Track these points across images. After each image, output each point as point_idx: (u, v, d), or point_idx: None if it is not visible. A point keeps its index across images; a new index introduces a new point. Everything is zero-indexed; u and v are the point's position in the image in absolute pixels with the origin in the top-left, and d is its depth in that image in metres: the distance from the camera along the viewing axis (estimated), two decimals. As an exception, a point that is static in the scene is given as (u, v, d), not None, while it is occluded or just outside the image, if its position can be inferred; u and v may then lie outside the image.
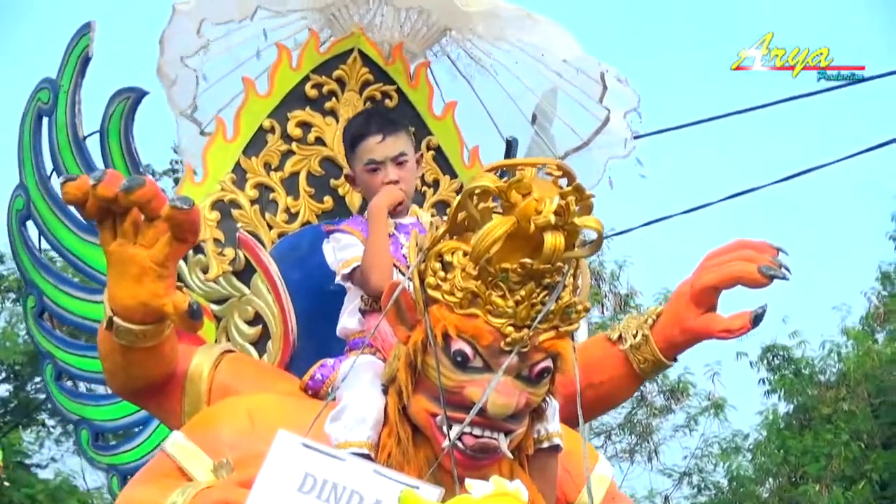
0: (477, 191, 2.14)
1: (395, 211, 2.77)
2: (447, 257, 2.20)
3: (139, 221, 2.25)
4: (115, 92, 3.13)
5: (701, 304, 2.73)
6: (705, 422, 13.06)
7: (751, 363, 12.74)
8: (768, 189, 6.20)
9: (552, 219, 2.06)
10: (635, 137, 3.44)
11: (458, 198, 2.16)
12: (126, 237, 2.25)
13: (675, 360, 2.86)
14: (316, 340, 2.85)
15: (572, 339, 2.28)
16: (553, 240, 2.07)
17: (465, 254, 2.18)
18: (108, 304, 2.33)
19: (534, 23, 3.04)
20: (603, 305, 12.30)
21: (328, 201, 3.11)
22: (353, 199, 3.13)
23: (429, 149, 3.21)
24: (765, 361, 12.76)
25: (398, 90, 3.22)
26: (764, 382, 12.75)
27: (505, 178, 2.17)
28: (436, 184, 3.23)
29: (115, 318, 2.31)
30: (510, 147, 3.45)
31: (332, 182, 3.13)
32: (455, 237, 2.22)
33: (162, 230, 2.23)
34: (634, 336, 2.80)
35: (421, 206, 3.08)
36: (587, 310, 2.26)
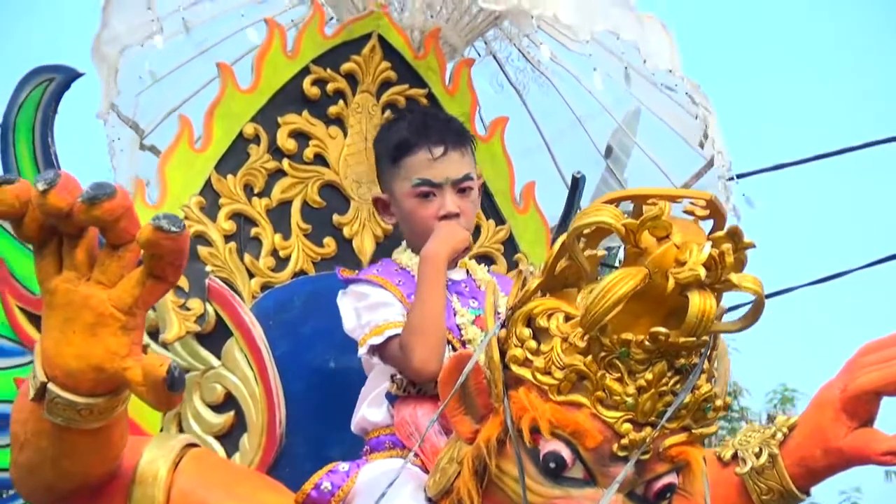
0: (588, 229, 2.11)
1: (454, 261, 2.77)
2: (541, 322, 2.17)
3: (95, 248, 2.18)
4: (31, 72, 3.05)
5: (856, 415, 2.70)
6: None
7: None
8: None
9: (702, 273, 2.02)
10: (739, 176, 3.45)
11: (561, 239, 2.14)
12: (77, 270, 2.17)
13: (808, 492, 2.83)
14: (311, 438, 2.87)
15: (702, 446, 2.25)
16: (701, 303, 2.04)
17: (567, 318, 2.16)
18: (40, 364, 2.23)
19: (637, 18, 3.04)
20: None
21: (329, 244, 3.12)
22: (364, 244, 3.15)
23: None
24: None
25: (430, 95, 3.26)
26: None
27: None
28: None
29: (52, 386, 2.22)
30: (576, 186, 3.46)
31: (336, 218, 3.14)
32: (551, 294, 2.20)
33: (130, 262, 2.16)
34: (757, 456, 2.77)
35: (451, 259, 3.08)
36: (727, 407, 2.24)
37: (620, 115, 3.55)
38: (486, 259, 3.18)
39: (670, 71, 3.16)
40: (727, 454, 2.80)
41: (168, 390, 2.12)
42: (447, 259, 2.71)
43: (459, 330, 2.68)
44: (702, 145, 3.30)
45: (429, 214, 2.79)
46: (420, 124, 2.86)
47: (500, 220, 3.29)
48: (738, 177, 3.46)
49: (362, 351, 2.67)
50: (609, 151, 3.54)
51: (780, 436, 2.76)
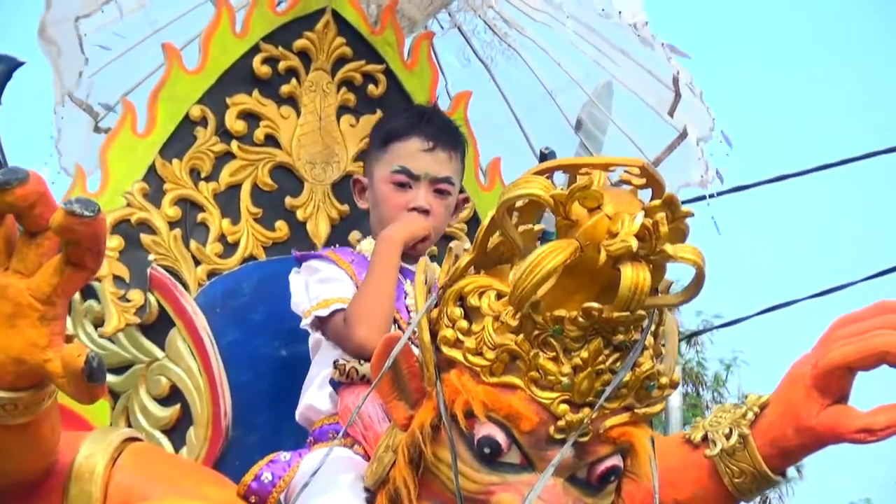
0: (519, 202, 2.09)
1: (413, 251, 2.79)
2: (472, 300, 2.14)
3: (13, 236, 2.17)
4: None
5: (828, 391, 2.65)
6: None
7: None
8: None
9: (633, 244, 1.99)
10: (742, 188, 3.47)
11: (491, 213, 2.11)
12: None
13: (783, 473, 2.78)
14: (261, 428, 2.86)
15: (649, 427, 2.23)
16: (634, 275, 2.00)
17: (499, 296, 2.13)
18: (-42, 359, 2.24)
19: None
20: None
21: (282, 228, 3.12)
22: (319, 227, 3.14)
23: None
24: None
25: (387, 71, 3.25)
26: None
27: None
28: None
29: (-30, 381, 2.22)
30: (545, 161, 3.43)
31: (289, 201, 3.14)
32: (484, 272, 2.18)
33: (49, 250, 2.15)
34: (727, 437, 2.73)
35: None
36: (675, 385, 2.21)
37: (591, 88, 3.53)
38: (448, 239, 3.12)
39: (646, 23, 3.15)
40: (697, 436, 2.75)
41: (88, 381, 2.11)
42: (403, 242, 2.74)
43: (408, 312, 2.69)
44: (671, 114, 3.29)
45: (399, 203, 2.83)
46: (419, 116, 2.91)
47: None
48: (741, 188, 3.46)
49: (305, 322, 2.69)
50: (580, 125, 3.52)
51: (750, 415, 2.72)
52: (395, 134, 2.87)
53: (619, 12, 3.03)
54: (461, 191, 2.98)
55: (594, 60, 3.43)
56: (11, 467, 2.39)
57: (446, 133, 2.90)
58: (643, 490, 2.26)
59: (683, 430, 2.88)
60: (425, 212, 2.82)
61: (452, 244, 2.24)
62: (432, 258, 2.90)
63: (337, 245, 2.91)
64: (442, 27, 3.53)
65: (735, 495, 2.74)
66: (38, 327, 2.16)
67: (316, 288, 2.72)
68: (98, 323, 2.90)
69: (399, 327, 2.64)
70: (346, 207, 3.15)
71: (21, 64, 3.05)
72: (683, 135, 3.31)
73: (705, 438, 2.75)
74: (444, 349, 2.16)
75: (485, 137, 3.40)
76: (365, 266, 2.75)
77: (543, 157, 3.43)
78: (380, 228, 2.82)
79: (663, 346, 2.22)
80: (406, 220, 2.80)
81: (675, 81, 3.28)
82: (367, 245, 2.86)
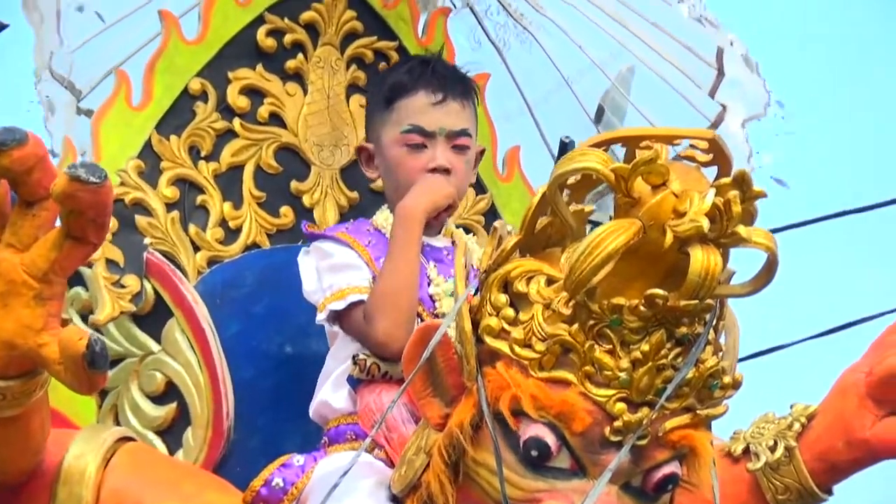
0: (572, 177, 2.00)
1: (436, 221, 2.68)
2: (519, 286, 2.06)
3: (6, 206, 2.07)
4: None
5: (884, 401, 2.60)
6: None
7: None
8: None
9: (705, 225, 1.90)
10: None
11: (541, 190, 2.03)
12: None
13: (830, 491, 2.72)
14: (266, 430, 2.83)
15: (709, 430, 2.15)
16: (704, 259, 1.92)
17: (549, 281, 2.05)
18: (-58, 342, 2.15)
19: None
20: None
21: (287, 214, 3.06)
22: (326, 215, 3.08)
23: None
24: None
25: (400, 49, 3.20)
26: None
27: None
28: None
29: (-45, 367, 2.16)
30: (564, 152, 3.35)
31: (295, 185, 3.08)
32: (531, 256, 2.10)
33: (46, 222, 2.08)
34: (772, 450, 2.68)
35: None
36: (738, 385, 2.12)
37: (614, 72, 3.45)
38: (467, 231, 3.08)
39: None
40: (738, 448, 2.70)
41: (89, 368, 2.02)
42: (425, 215, 2.62)
43: (433, 301, 2.59)
44: (712, 94, 3.22)
45: (416, 166, 2.69)
46: (421, 67, 2.79)
47: (480, 189, 3.24)
48: (799, 225, 3.38)
49: (321, 317, 2.60)
50: (600, 114, 3.46)
51: (797, 426, 2.67)
52: (399, 90, 2.75)
53: None
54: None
55: (620, 42, 3.34)
56: (-6, 465, 2.35)
57: (454, 81, 2.79)
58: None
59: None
60: (446, 171, 2.71)
61: (497, 223, 2.14)
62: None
63: (353, 221, 2.82)
64: (455, 6, 3.45)
65: (777, 513, 2.73)
66: (33, 307, 2.08)
67: (329, 276, 2.62)
68: (85, 313, 2.84)
69: (422, 321, 2.55)
70: (355, 195, 3.10)
71: (5, 26, 3.01)
72: (718, 122, 3.21)
73: (747, 451, 2.69)
74: (488, 340, 2.08)
75: (497, 126, 3.35)
76: (383, 248, 2.65)
77: (563, 146, 3.38)
78: (397, 197, 2.71)
79: (723, 342, 2.16)
80: (427, 186, 2.66)
81: (720, 56, 3.19)
82: (382, 219, 2.75)
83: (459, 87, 2.78)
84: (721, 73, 3.26)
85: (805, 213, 3.49)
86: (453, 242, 2.75)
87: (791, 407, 2.79)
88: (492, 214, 3.22)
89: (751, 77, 3.27)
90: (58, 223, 2.05)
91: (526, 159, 3.34)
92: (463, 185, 2.79)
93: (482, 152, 2.91)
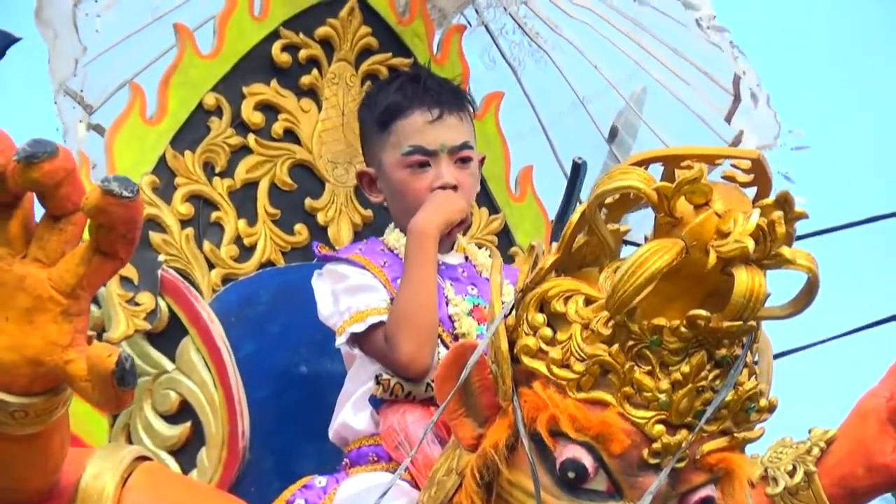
0: (613, 196, 1.99)
1: (448, 237, 2.68)
2: (557, 306, 2.03)
3: (32, 220, 2.04)
4: None
5: None
6: None
7: None
8: None
9: (750, 245, 1.88)
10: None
11: (581, 209, 2.02)
12: (11, 246, 2.04)
13: None
14: (282, 450, 2.81)
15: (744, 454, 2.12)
16: (749, 280, 1.90)
17: (588, 301, 2.03)
18: (-37, 357, 2.11)
19: None
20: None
21: (301, 232, 3.06)
22: (341, 233, 3.08)
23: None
24: None
25: (415, 66, 3.18)
26: None
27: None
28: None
29: (-23, 383, 2.11)
30: (577, 173, 3.35)
31: (309, 203, 3.07)
32: (567, 275, 2.07)
33: (74, 237, 2.04)
34: (791, 475, 2.70)
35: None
36: (773, 409, 2.10)
37: (629, 92, 3.46)
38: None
39: (713, 17, 3.08)
40: (756, 473, 2.70)
41: (118, 385, 1.98)
42: (439, 231, 2.61)
43: (452, 322, 2.58)
44: (728, 120, 3.21)
45: (422, 187, 2.69)
46: (412, 85, 2.78)
47: (493, 209, 3.24)
48: (827, 231, 3.37)
49: (341, 340, 2.57)
50: (614, 134, 3.45)
51: (816, 451, 2.70)
52: (393, 111, 2.74)
53: (684, 5, 2.94)
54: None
55: (636, 62, 3.34)
56: (11, 485, 2.27)
57: (448, 95, 2.78)
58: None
59: None
60: (453, 188, 2.70)
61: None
62: None
63: (365, 241, 2.81)
64: (470, 24, 3.45)
65: (796, 538, 2.72)
66: (60, 323, 2.03)
67: (346, 299, 2.61)
68: (97, 331, 2.81)
69: (442, 342, 2.56)
70: (369, 213, 3.10)
71: (17, 40, 2.96)
72: (735, 144, 3.22)
73: (765, 476, 2.72)
74: (525, 360, 2.05)
75: (510, 146, 3.36)
76: (398, 269, 2.64)
77: (576, 166, 3.35)
78: (405, 219, 2.69)
79: (757, 364, 2.14)
80: (438, 203, 2.65)
81: (736, 83, 3.18)
82: (394, 239, 2.74)
83: (454, 99, 2.77)
84: (738, 98, 3.27)
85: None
86: (466, 258, 2.74)
87: (809, 431, 2.81)
88: (505, 234, 3.23)
89: (762, 108, 3.27)
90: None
91: (539, 179, 3.35)
92: (471, 198, 2.78)
93: (483, 160, 2.90)
